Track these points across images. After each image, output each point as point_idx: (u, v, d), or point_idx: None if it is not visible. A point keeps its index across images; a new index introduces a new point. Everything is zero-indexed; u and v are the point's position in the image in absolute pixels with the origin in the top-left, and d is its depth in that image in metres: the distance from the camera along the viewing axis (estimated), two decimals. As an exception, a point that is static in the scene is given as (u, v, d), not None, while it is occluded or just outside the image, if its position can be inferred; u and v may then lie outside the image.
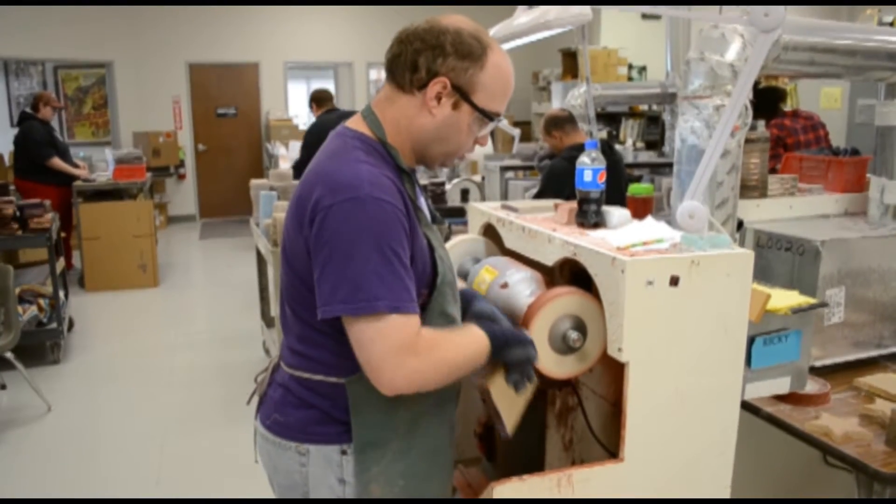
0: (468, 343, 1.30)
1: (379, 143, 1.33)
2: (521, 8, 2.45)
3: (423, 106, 1.31)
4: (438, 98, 1.30)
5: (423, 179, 4.83)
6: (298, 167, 5.53)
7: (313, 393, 1.33)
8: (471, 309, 1.44)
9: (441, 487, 1.43)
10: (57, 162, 6.35)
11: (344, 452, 1.32)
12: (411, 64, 1.30)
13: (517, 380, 1.36)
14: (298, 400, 1.35)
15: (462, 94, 1.30)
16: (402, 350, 1.19)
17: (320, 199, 1.21)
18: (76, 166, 6.58)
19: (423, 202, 1.41)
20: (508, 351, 1.33)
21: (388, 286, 1.18)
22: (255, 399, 1.51)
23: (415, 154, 1.38)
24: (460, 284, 1.62)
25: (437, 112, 1.31)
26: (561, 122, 3.82)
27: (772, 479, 2.25)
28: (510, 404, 1.42)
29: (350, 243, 1.18)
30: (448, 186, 4.73)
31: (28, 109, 6.52)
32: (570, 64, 8.04)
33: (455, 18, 1.32)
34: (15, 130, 6.51)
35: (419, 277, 1.29)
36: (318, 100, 5.77)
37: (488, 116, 1.34)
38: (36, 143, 6.26)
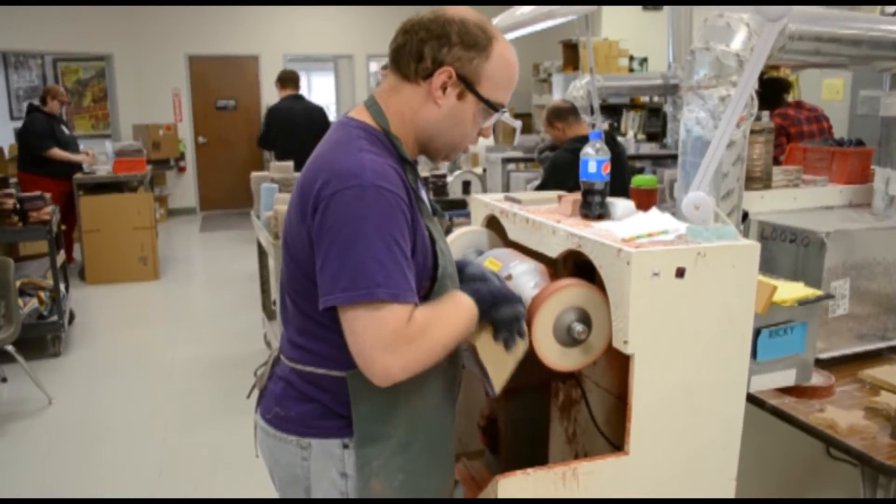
0: (457, 313, 1.28)
1: (382, 133, 1.32)
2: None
3: (428, 96, 1.31)
4: (444, 88, 1.30)
5: (425, 172, 4.81)
6: (262, 142, 6.04)
7: (314, 387, 1.33)
8: (463, 274, 1.43)
9: (442, 482, 1.42)
10: (56, 152, 6.34)
11: (345, 446, 1.31)
12: (416, 53, 1.29)
13: (506, 337, 1.34)
14: (299, 394, 1.34)
15: (467, 84, 1.30)
16: (396, 339, 1.17)
17: (323, 188, 1.20)
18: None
19: (423, 194, 1.40)
20: (496, 310, 1.32)
21: (388, 274, 1.17)
22: (256, 392, 1.50)
23: (419, 145, 1.37)
24: None
25: (443, 102, 1.31)
26: (564, 114, 3.81)
27: (776, 471, 2.25)
28: (498, 362, 1.39)
29: (352, 231, 1.17)
30: (450, 178, 4.72)
31: (36, 102, 6.52)
32: (571, 55, 8.01)
33: (460, 9, 1.31)
34: (14, 123, 6.51)
35: (420, 269, 1.28)
36: (283, 80, 5.93)
37: (493, 107, 1.33)
38: (35, 135, 6.27)
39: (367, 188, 1.18)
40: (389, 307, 1.17)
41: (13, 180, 6.27)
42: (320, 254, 1.21)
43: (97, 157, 7.03)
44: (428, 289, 1.32)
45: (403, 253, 1.20)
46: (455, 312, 1.29)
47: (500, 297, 1.33)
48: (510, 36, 4.16)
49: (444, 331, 1.25)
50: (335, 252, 1.18)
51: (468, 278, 1.41)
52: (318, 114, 5.94)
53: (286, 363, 1.38)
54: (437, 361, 1.26)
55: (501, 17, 3.07)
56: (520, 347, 1.38)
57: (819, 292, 1.73)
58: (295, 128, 5.78)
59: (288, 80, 5.96)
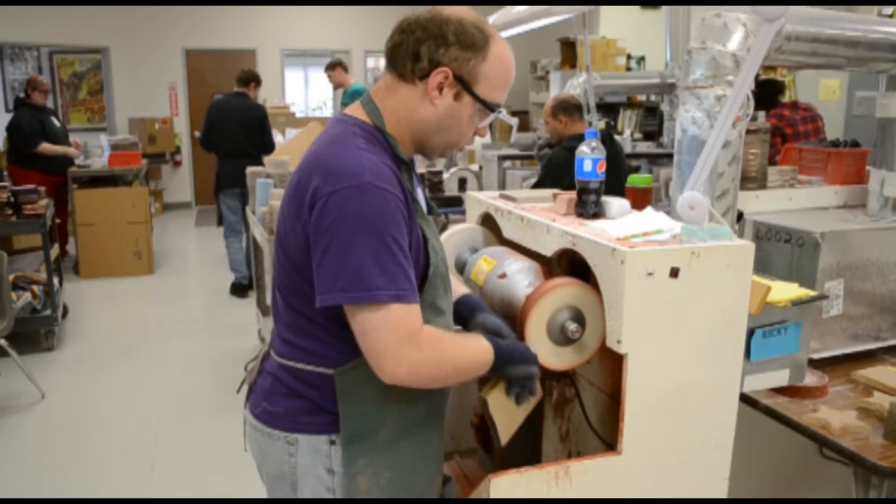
0: (473, 349, 1.30)
1: (378, 132, 1.32)
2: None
3: (424, 96, 1.31)
4: (440, 88, 1.29)
5: (421, 168, 4.81)
6: (202, 143, 5.86)
7: (302, 383, 1.33)
8: (476, 319, 1.44)
9: (429, 480, 1.42)
10: (45, 147, 6.27)
11: (332, 442, 1.32)
12: (413, 53, 1.29)
13: (518, 393, 1.37)
14: (287, 389, 1.35)
15: (464, 84, 1.30)
16: (405, 339, 1.19)
17: (320, 187, 1.20)
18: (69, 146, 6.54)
19: (419, 193, 1.41)
20: (512, 367, 1.33)
21: (389, 275, 1.18)
22: (245, 388, 1.50)
23: (415, 144, 1.37)
24: (458, 276, 1.61)
25: (439, 102, 1.30)
26: (570, 109, 3.80)
27: (769, 471, 2.25)
28: (507, 417, 1.42)
29: (351, 231, 1.17)
30: (445, 176, 4.71)
31: (21, 95, 6.48)
32: (569, 53, 8.00)
33: (456, 8, 1.31)
34: (9, 115, 6.47)
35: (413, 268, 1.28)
36: (237, 79, 5.88)
37: (490, 107, 1.33)
38: (23, 133, 6.21)
39: (366, 188, 1.18)
40: (394, 308, 1.18)
41: (5, 173, 6.25)
42: (317, 252, 1.21)
43: (92, 151, 7.01)
44: (418, 288, 1.31)
45: (403, 252, 1.21)
46: (472, 346, 1.31)
47: (518, 356, 1.34)
48: (507, 33, 4.15)
49: (457, 352, 1.27)
50: (334, 251, 1.18)
51: (483, 327, 1.41)
52: (254, 111, 5.77)
53: (275, 359, 1.38)
54: (446, 383, 1.28)
55: (498, 15, 3.07)
56: (531, 403, 1.41)
57: (813, 293, 1.73)
58: (227, 123, 5.68)
59: (239, 78, 5.88)
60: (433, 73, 1.28)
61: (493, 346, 1.31)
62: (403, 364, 1.19)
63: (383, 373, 1.21)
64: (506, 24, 2.95)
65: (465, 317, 1.45)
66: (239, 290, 5.90)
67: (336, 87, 6.73)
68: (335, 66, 6.62)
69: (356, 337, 1.22)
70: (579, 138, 3.13)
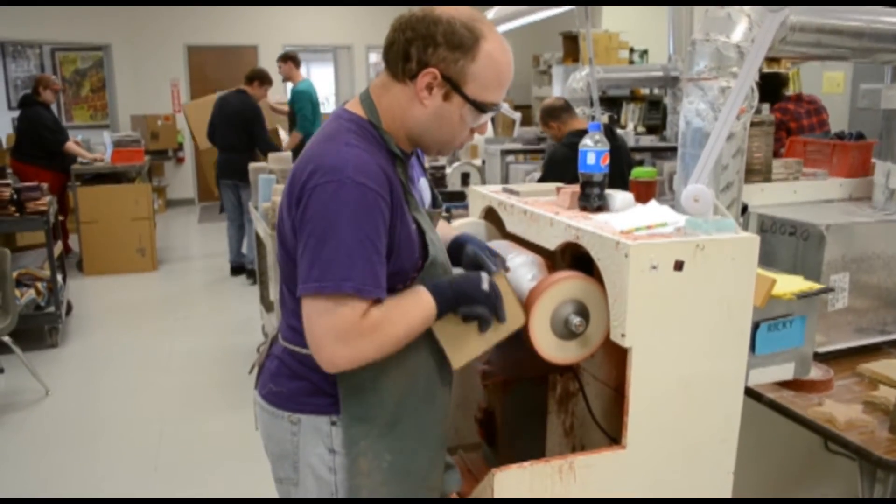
0: (413, 312, 1.30)
1: (372, 127, 1.34)
2: None
3: (414, 96, 1.32)
4: (429, 89, 1.30)
5: (425, 163, 4.79)
6: (210, 136, 6.18)
7: (304, 366, 1.37)
8: (463, 252, 1.46)
9: (430, 464, 1.44)
10: (72, 146, 6.37)
11: (333, 423, 1.36)
12: (403, 53, 1.30)
13: (478, 322, 1.35)
14: (291, 372, 1.39)
15: (453, 85, 1.30)
16: (348, 331, 1.21)
17: (307, 181, 1.24)
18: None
19: (419, 186, 1.43)
20: (458, 310, 1.33)
21: (356, 268, 1.20)
22: (257, 370, 1.54)
23: (410, 141, 1.39)
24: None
25: (429, 103, 1.31)
26: (556, 112, 3.78)
27: (774, 465, 2.24)
28: (458, 343, 1.38)
29: (328, 224, 1.20)
30: (448, 170, 4.71)
31: (28, 92, 6.46)
32: (571, 47, 7.97)
33: (450, 8, 1.31)
34: (12, 113, 6.45)
35: (405, 262, 1.31)
36: (245, 77, 6.09)
37: (481, 108, 1.33)
38: (50, 130, 6.24)
39: (346, 183, 1.20)
40: (350, 301, 1.20)
41: (9, 171, 6.24)
42: (300, 244, 1.25)
43: (95, 148, 7.02)
44: (413, 280, 1.35)
45: (375, 248, 1.23)
46: (412, 311, 1.30)
47: (462, 298, 1.33)
48: (508, 27, 4.13)
49: (398, 328, 1.27)
50: (312, 243, 1.22)
51: (467, 260, 1.44)
52: (244, 109, 5.88)
53: (281, 343, 1.43)
54: (389, 355, 1.29)
55: (499, 8, 3.04)
56: (499, 330, 1.37)
57: (818, 286, 1.72)
58: (220, 119, 5.97)
59: (245, 76, 6.07)
60: (421, 74, 1.29)
61: (434, 297, 1.31)
62: (341, 355, 1.22)
63: (321, 360, 1.24)
64: (508, 16, 2.93)
65: (457, 255, 1.47)
66: (234, 271, 6.34)
67: (284, 80, 6.85)
68: (286, 60, 6.69)
69: (304, 321, 1.24)
70: (578, 134, 3.13)
